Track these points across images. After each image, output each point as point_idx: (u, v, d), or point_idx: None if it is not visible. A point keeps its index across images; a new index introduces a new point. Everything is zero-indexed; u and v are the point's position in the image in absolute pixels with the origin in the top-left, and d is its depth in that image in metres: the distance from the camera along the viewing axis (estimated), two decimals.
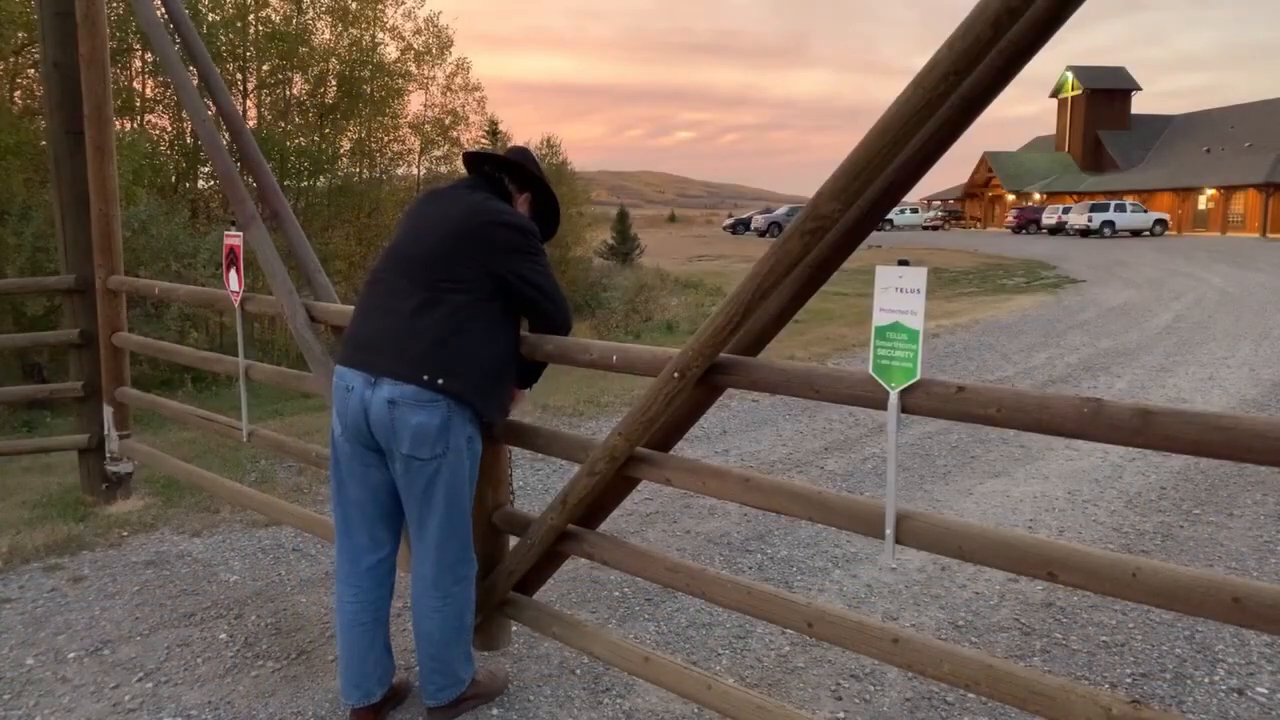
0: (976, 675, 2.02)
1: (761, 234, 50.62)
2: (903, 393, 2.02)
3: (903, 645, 2.15)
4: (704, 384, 2.44)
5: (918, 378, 2.00)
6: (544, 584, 3.25)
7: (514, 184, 2.86)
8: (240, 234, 3.84)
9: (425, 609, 2.72)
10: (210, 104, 4.57)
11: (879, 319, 2.05)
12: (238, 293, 3.86)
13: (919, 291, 2.00)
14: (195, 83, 4.47)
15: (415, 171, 24.98)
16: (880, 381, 2.05)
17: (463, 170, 2.94)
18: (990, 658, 2.09)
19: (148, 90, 19.93)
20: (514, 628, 3.33)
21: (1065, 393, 1.89)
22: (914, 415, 2.04)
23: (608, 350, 2.69)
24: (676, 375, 2.39)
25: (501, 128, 28.36)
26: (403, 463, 2.54)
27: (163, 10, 4.47)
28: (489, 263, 2.57)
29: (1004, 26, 1.77)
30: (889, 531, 2.08)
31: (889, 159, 1.98)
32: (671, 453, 2.72)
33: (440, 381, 2.48)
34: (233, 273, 3.86)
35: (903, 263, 2.05)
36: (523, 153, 2.96)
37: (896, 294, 2.03)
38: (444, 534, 2.64)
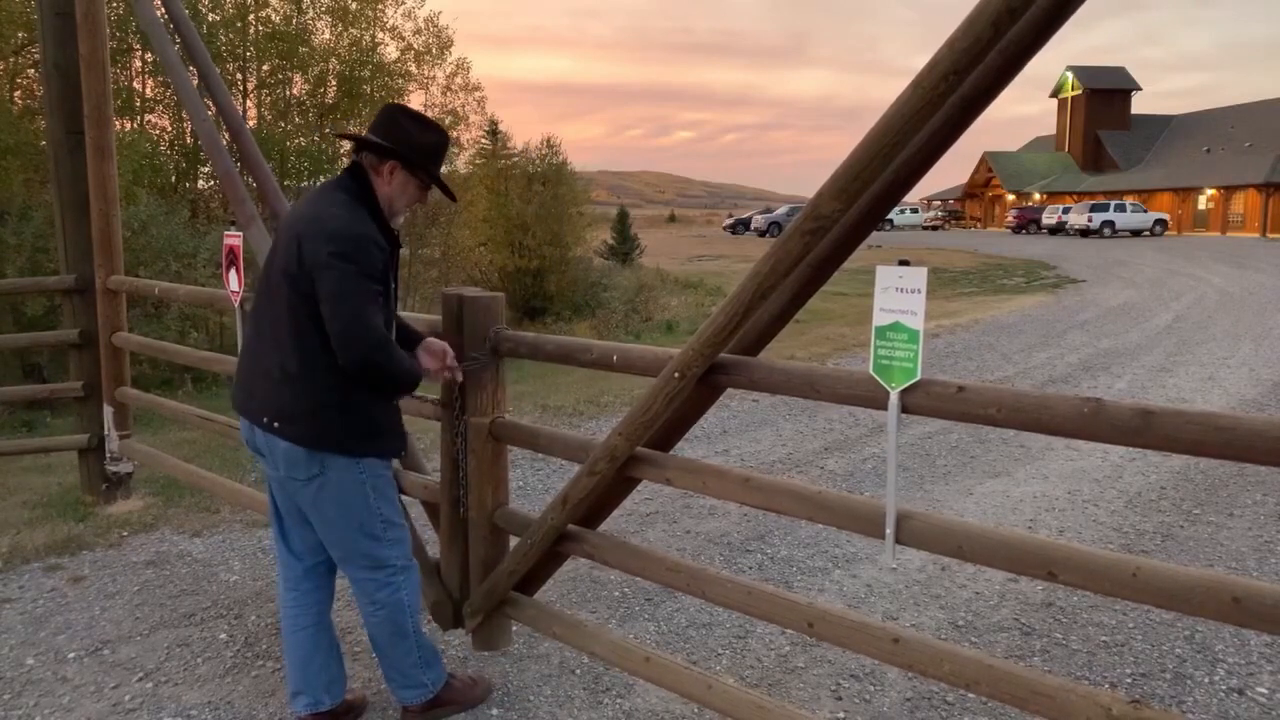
0: (977, 675, 2.02)
1: (761, 234, 50.60)
2: (903, 393, 2.02)
3: (903, 645, 2.15)
4: (704, 384, 2.44)
5: (918, 378, 2.00)
6: (544, 584, 3.24)
7: (370, 160, 2.57)
8: (240, 234, 3.84)
9: (364, 615, 2.74)
10: (210, 104, 4.57)
11: (879, 319, 2.04)
12: (237, 293, 3.86)
13: (919, 291, 2.00)
14: (195, 83, 4.47)
15: None
16: (880, 381, 2.05)
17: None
18: (990, 658, 2.08)
19: (148, 90, 19.94)
20: (515, 627, 3.32)
21: (1065, 393, 1.89)
22: (914, 415, 2.04)
23: (608, 350, 2.70)
24: (677, 375, 2.39)
25: (501, 127, 28.35)
26: (287, 483, 2.57)
27: (162, 10, 4.47)
28: (309, 289, 2.38)
29: (1004, 26, 1.76)
30: (889, 531, 2.07)
31: (889, 159, 1.97)
32: (671, 453, 2.72)
33: (276, 425, 2.46)
34: (232, 273, 3.86)
35: (903, 263, 2.05)
36: (381, 119, 2.60)
37: (896, 294, 2.03)
38: (344, 548, 2.63)
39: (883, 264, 2.07)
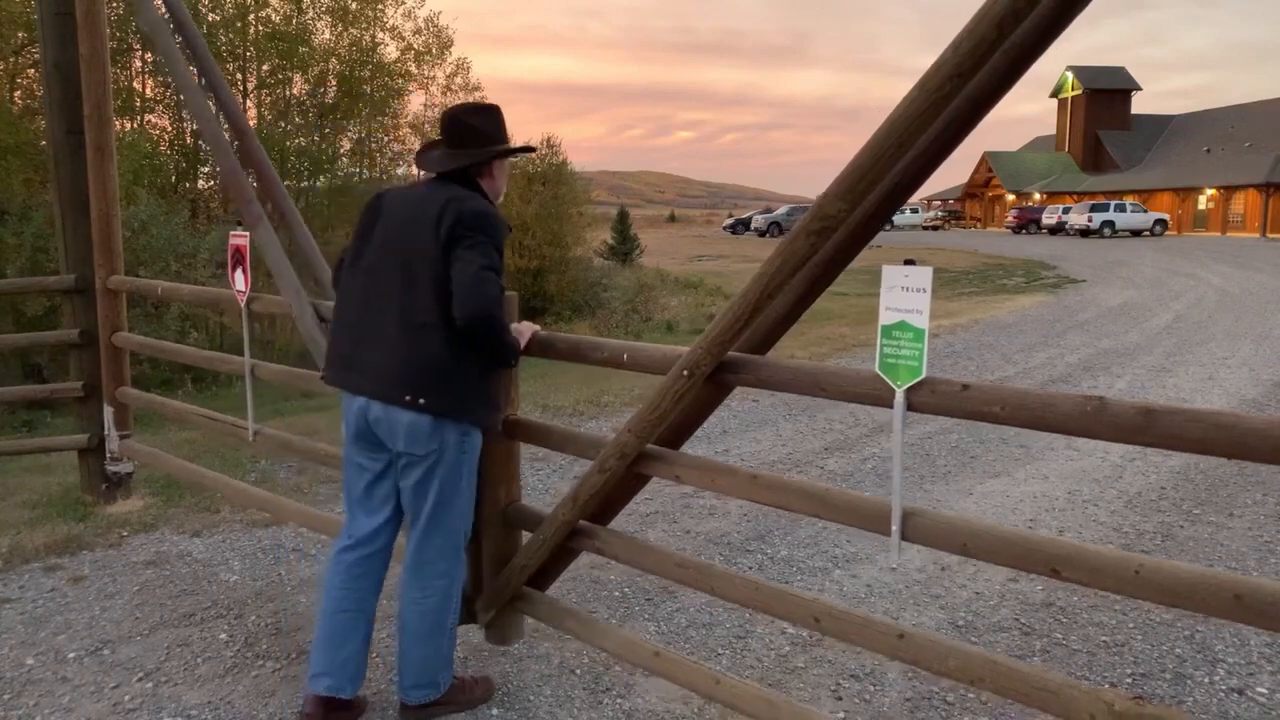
0: (981, 671, 2.04)
1: (761, 234, 50.56)
2: (908, 391, 2.04)
3: (908, 641, 2.17)
4: (713, 382, 2.48)
5: (923, 376, 2.02)
6: (557, 579, 3.27)
7: (476, 170, 2.79)
8: (246, 234, 3.85)
9: (407, 599, 2.77)
10: (213, 104, 4.56)
11: (885, 318, 2.06)
12: (244, 292, 3.87)
13: (924, 290, 2.02)
14: (199, 83, 4.47)
15: (415, 171, 25.00)
16: (886, 380, 2.07)
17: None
18: (995, 654, 2.10)
19: (148, 90, 19.95)
20: (529, 622, 3.34)
21: (1068, 391, 1.91)
22: (919, 414, 2.06)
23: (619, 349, 2.75)
24: (685, 373, 2.42)
25: None
26: (401, 459, 2.67)
27: (164, 12, 4.46)
28: (447, 265, 2.56)
29: (1008, 28, 1.79)
30: (895, 528, 2.10)
31: (895, 159, 2.00)
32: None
33: (422, 401, 2.57)
34: (238, 272, 3.86)
35: (909, 262, 2.06)
36: (461, 130, 2.78)
37: (902, 293, 2.05)
38: (430, 526, 2.72)
39: (887, 264, 2.08)
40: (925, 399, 2.03)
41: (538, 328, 2.95)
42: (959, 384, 2.00)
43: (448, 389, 2.60)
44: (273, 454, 5.88)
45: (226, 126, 4.48)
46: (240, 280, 3.86)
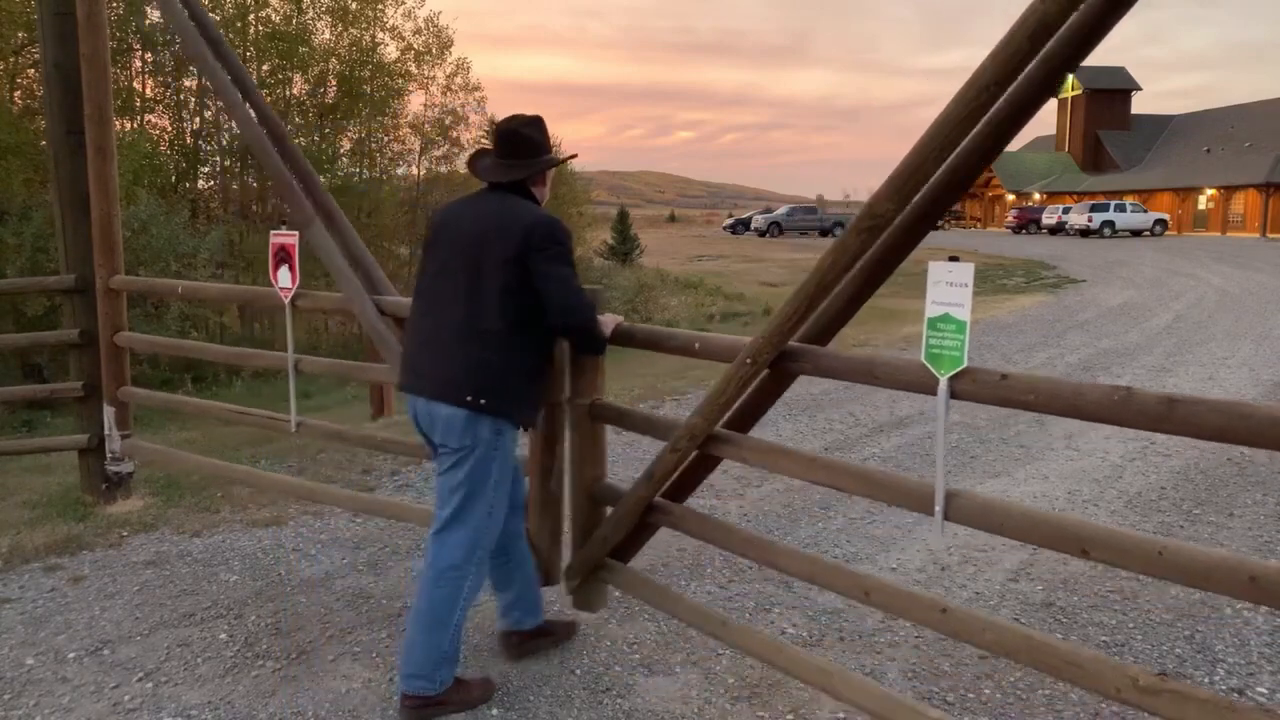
0: (1016, 645, 2.18)
1: (761, 234, 50.48)
2: (951, 379, 2.19)
3: (950, 615, 2.33)
4: (775, 370, 2.69)
5: (964, 365, 2.16)
6: (639, 551, 3.45)
7: (532, 178, 2.97)
8: (294, 234, 3.94)
9: (420, 584, 2.85)
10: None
11: (931, 311, 2.21)
12: (289, 289, 3.96)
13: (967, 285, 2.16)
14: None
15: (415, 171, 24.99)
16: (931, 369, 2.21)
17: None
18: (1030, 630, 2.25)
19: (148, 90, 19.94)
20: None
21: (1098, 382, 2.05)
22: (959, 401, 2.21)
23: (690, 338, 3.04)
24: (749, 361, 2.61)
25: None
26: (437, 449, 2.84)
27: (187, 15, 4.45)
28: (519, 276, 2.72)
29: (1040, 40, 1.93)
30: (939, 508, 2.24)
31: (939, 161, 2.16)
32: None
33: (483, 402, 2.73)
34: (283, 270, 3.95)
35: (952, 259, 2.20)
36: (518, 141, 2.92)
37: (947, 287, 2.19)
38: (454, 518, 2.82)
39: (930, 261, 2.23)
40: (966, 387, 2.18)
41: (620, 319, 3.12)
42: (998, 374, 2.14)
43: (503, 391, 2.76)
44: (269, 454, 5.90)
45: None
46: (285, 278, 3.93)
